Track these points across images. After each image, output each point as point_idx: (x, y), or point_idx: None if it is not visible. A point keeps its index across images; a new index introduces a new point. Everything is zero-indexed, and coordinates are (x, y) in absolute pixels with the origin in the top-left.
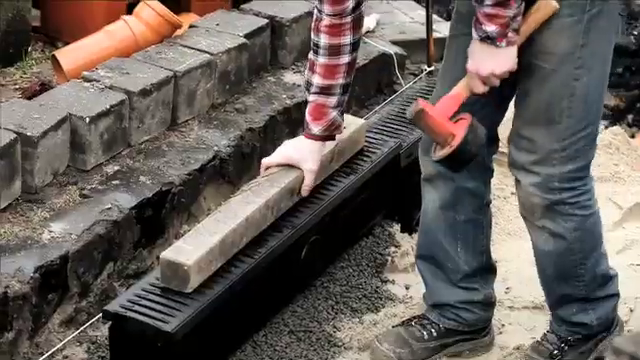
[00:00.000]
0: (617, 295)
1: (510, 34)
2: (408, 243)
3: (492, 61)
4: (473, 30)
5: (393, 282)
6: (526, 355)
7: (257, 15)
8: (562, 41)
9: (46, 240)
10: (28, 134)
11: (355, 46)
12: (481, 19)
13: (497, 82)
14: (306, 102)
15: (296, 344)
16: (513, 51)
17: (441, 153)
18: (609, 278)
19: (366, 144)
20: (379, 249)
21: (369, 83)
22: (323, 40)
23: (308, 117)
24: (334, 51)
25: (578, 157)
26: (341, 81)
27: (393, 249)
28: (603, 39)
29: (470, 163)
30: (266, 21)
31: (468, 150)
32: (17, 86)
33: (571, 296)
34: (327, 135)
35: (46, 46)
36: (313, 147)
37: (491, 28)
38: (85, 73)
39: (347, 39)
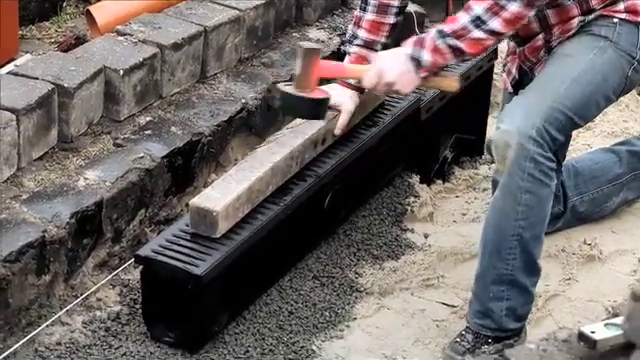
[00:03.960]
0: (533, 297)
1: (430, 73)
2: (427, 194)
3: (401, 77)
4: (407, 46)
5: (412, 231)
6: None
7: None
8: (580, 47)
9: (81, 187)
10: (65, 85)
11: (401, 10)
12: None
13: (383, 91)
14: (343, 55)
15: (320, 289)
16: (417, 83)
17: (292, 90)
18: (536, 271)
19: (387, 98)
20: (399, 199)
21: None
22: None
23: None
24: (382, 9)
25: (552, 126)
26: (383, 40)
27: (412, 199)
28: (613, 66)
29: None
30: None
31: (308, 109)
32: (52, 40)
33: (496, 273)
34: (360, 87)
35: (80, 2)
36: (349, 92)
37: (427, 57)
38: (119, 27)
39: (396, 1)
